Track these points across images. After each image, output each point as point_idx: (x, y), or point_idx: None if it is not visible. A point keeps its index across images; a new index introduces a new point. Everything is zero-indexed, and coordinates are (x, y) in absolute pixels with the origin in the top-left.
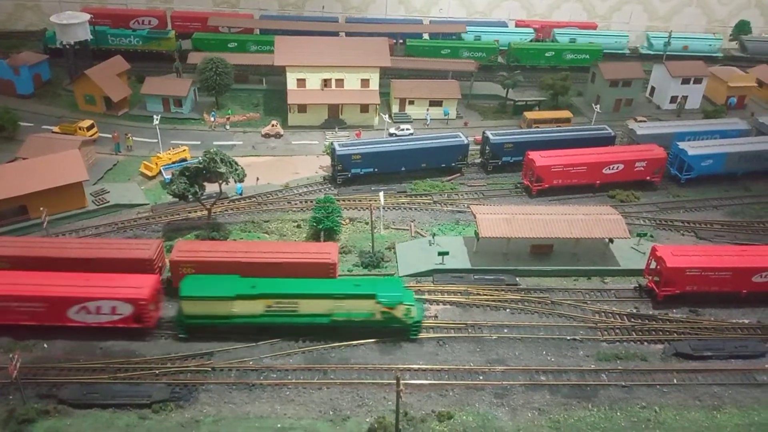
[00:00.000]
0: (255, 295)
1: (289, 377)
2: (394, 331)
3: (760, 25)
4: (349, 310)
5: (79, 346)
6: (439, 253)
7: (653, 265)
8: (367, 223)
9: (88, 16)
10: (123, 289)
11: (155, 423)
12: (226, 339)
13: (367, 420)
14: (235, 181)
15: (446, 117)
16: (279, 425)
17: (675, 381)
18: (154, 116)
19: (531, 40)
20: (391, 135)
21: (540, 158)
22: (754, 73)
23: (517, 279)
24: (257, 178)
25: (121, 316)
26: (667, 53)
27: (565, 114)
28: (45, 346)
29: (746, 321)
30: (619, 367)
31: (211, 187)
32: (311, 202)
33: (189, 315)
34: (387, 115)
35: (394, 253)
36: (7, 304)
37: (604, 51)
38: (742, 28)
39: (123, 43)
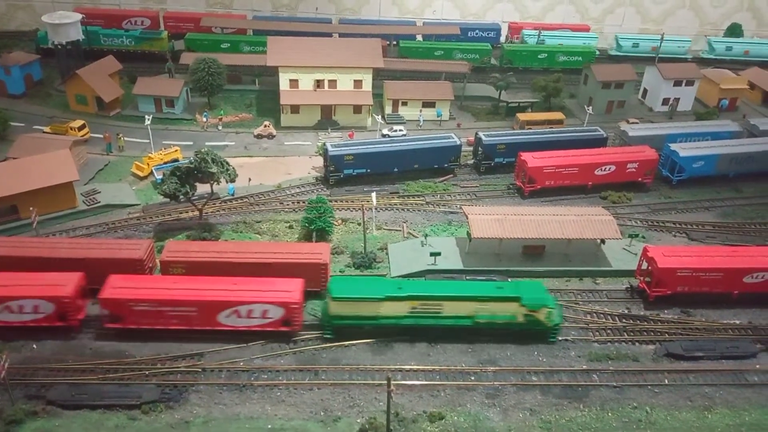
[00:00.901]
0: (403, 297)
1: (280, 378)
2: (533, 333)
3: (752, 28)
4: (493, 312)
5: (68, 346)
6: (432, 254)
7: (645, 265)
8: (359, 224)
9: (79, 16)
10: (274, 293)
11: (145, 424)
12: (216, 340)
13: (358, 421)
14: (227, 182)
15: (439, 118)
16: (270, 426)
17: (666, 381)
18: (146, 116)
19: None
20: (383, 136)
21: (532, 159)
22: (745, 75)
23: (509, 279)
24: (249, 179)
25: (270, 320)
26: (731, 58)
27: (557, 116)
28: (34, 346)
29: (737, 322)
30: (611, 368)
31: (202, 188)
32: (303, 202)
33: (336, 316)
34: (380, 116)
35: (387, 253)
36: (160, 309)
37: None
38: (734, 30)
39: (115, 44)
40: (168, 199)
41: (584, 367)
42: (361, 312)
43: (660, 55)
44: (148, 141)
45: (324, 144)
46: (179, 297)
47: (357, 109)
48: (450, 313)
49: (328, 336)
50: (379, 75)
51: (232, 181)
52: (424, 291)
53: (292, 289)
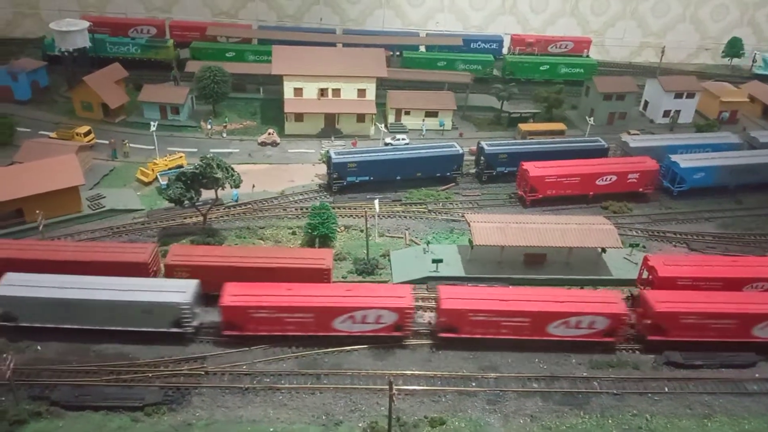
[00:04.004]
0: None
1: (282, 382)
2: None
3: (752, 43)
4: None
5: (72, 348)
6: (433, 261)
7: (645, 274)
8: (362, 231)
9: (87, 24)
10: (388, 298)
11: (147, 426)
12: (220, 343)
13: (360, 425)
14: (231, 187)
15: (442, 128)
16: (271, 429)
17: (666, 389)
18: (151, 123)
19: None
20: (386, 145)
21: (534, 169)
22: (746, 88)
23: (510, 287)
24: (253, 186)
25: (383, 325)
26: None
27: (559, 126)
28: (38, 347)
29: None
30: (611, 375)
31: (207, 194)
32: (307, 209)
33: None
34: (383, 125)
35: (389, 260)
36: (278, 316)
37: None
38: (734, 45)
39: (121, 52)
40: (173, 205)
41: (585, 374)
42: None
43: None
44: (153, 147)
45: (327, 152)
46: (297, 303)
47: (360, 117)
48: None
49: None
50: (382, 84)
51: (237, 186)
52: None
53: (404, 294)
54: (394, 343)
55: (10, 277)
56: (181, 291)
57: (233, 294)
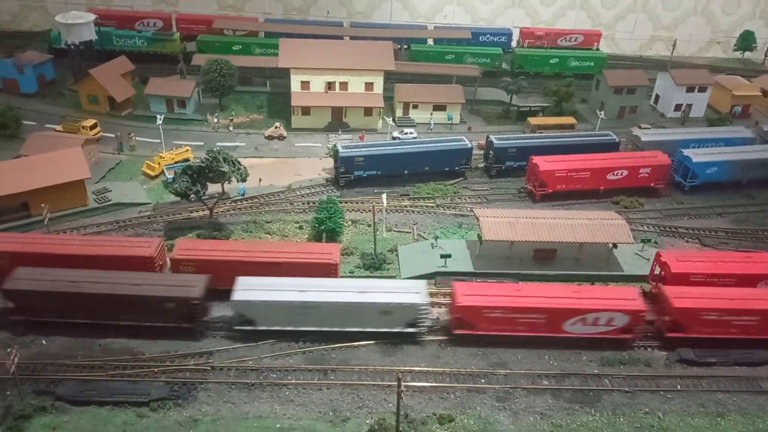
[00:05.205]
0: None
1: (289, 377)
2: None
3: (765, 36)
4: None
5: (78, 342)
6: (442, 256)
7: (657, 270)
8: (369, 225)
9: (93, 16)
10: (619, 300)
11: (153, 421)
12: (226, 338)
13: (368, 421)
14: (238, 181)
15: (450, 121)
16: (278, 425)
17: (679, 387)
18: (158, 116)
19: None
20: (394, 138)
21: (544, 163)
22: (758, 82)
23: (519, 283)
24: (260, 180)
25: (613, 328)
26: None
27: (568, 120)
28: (44, 342)
29: None
30: (623, 373)
31: (213, 188)
32: (314, 203)
33: None
34: (390, 119)
35: (396, 255)
36: (511, 316)
37: None
38: (747, 38)
39: (128, 45)
40: (179, 198)
41: (596, 371)
42: None
43: None
44: (159, 141)
45: (335, 145)
46: (531, 304)
47: (368, 111)
48: None
49: None
50: (390, 78)
51: (243, 180)
52: None
53: (634, 297)
54: (406, 339)
55: (242, 281)
56: (416, 292)
57: (466, 293)
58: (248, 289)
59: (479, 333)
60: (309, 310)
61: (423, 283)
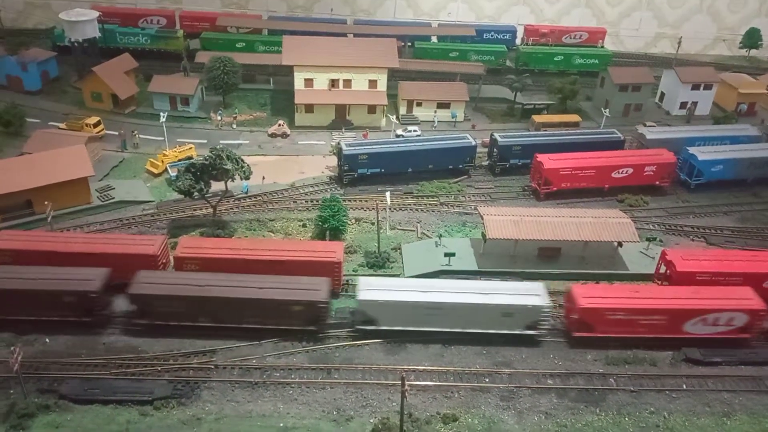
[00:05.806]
0: None
1: (293, 376)
2: None
3: None
4: None
5: (81, 341)
6: (446, 254)
7: (663, 269)
8: (373, 224)
9: (96, 14)
10: (740, 300)
11: (156, 420)
12: (230, 337)
13: (371, 421)
14: (241, 179)
15: (454, 119)
16: (282, 424)
17: (684, 387)
18: (161, 114)
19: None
20: (398, 136)
21: (549, 161)
22: (764, 80)
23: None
24: (263, 177)
25: (732, 327)
26: None
27: (573, 117)
28: (47, 340)
29: None
30: (628, 372)
31: (216, 186)
32: (317, 201)
33: None
34: (394, 117)
35: (400, 253)
36: (632, 318)
37: None
38: (752, 36)
39: (131, 42)
40: (182, 196)
41: (601, 370)
42: None
43: None
44: (162, 138)
45: (338, 143)
46: (654, 306)
47: (371, 109)
48: None
49: None
50: (393, 75)
51: (247, 178)
52: None
53: (751, 296)
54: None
55: (364, 281)
56: (537, 294)
57: (586, 296)
58: (372, 289)
59: (599, 335)
60: (433, 310)
61: (542, 285)
